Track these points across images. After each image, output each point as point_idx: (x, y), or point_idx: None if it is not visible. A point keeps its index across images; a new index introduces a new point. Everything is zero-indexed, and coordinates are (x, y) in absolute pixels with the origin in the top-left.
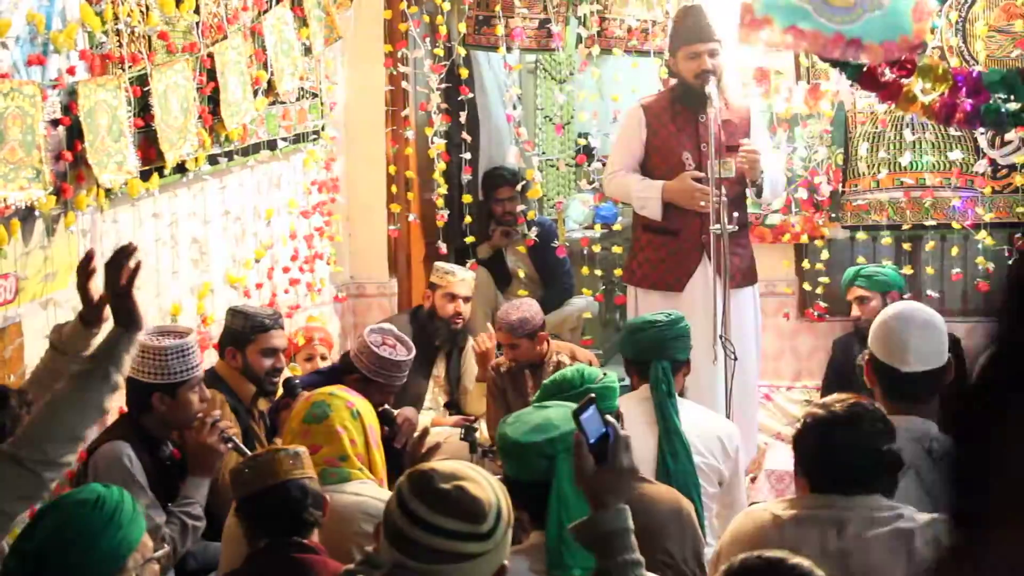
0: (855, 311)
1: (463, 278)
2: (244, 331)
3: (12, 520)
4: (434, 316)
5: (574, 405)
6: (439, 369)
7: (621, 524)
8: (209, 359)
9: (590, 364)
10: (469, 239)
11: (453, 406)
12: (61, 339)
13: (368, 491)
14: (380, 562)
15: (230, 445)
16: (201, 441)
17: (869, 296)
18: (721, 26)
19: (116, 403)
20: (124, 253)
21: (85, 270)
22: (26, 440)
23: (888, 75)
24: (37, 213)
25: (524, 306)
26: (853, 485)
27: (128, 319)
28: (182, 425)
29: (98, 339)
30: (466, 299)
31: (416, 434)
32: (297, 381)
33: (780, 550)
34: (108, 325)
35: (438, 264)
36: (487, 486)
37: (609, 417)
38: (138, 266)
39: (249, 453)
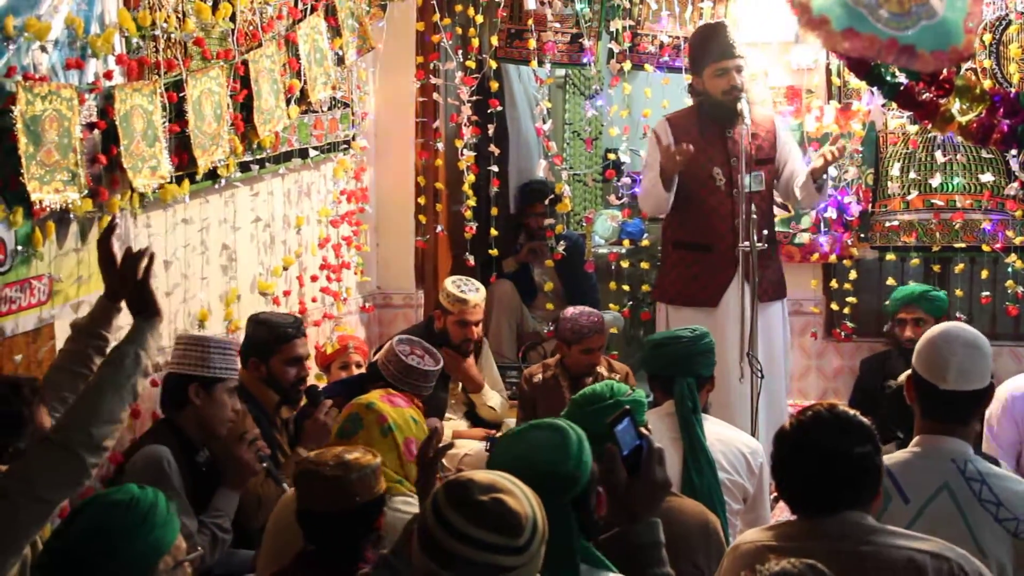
0: (909, 332)
1: (476, 303)
2: (268, 342)
3: (53, 509)
4: (446, 337)
5: (561, 426)
6: (455, 383)
7: (652, 538)
8: None
9: (627, 377)
10: (494, 252)
11: (472, 416)
12: (87, 316)
13: (411, 508)
14: (402, 567)
15: (264, 465)
16: (238, 455)
17: (926, 319)
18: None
19: (148, 405)
20: (139, 253)
21: (108, 237)
22: (71, 425)
23: (925, 95)
24: (72, 216)
25: (596, 314)
26: (820, 503)
27: (147, 308)
28: (215, 425)
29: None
30: (478, 322)
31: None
32: (320, 388)
33: (802, 561)
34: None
35: (448, 288)
36: (524, 499)
37: (644, 430)
38: (151, 258)
39: (280, 477)
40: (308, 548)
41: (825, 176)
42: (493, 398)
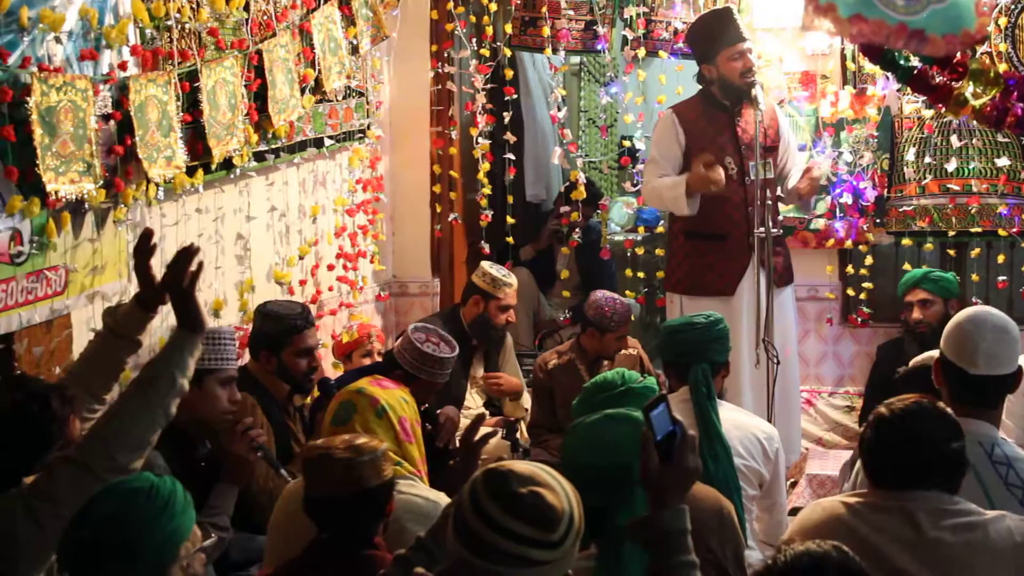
0: (916, 314)
1: (515, 287)
2: (277, 335)
3: None
4: (487, 323)
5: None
6: (477, 370)
7: (679, 524)
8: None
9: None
10: (511, 240)
11: (493, 407)
12: (116, 321)
13: (413, 490)
14: (437, 552)
15: (260, 454)
16: (230, 448)
17: (933, 300)
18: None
19: None
20: (186, 254)
21: (144, 250)
22: (96, 449)
23: (939, 78)
24: (87, 206)
25: (626, 300)
26: (912, 481)
27: (191, 320)
28: (208, 420)
29: (155, 323)
30: (514, 306)
31: (473, 419)
32: (333, 381)
33: (827, 542)
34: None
35: (491, 274)
36: (562, 493)
37: (677, 416)
38: (200, 267)
39: (278, 464)
40: (319, 537)
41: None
42: (528, 400)
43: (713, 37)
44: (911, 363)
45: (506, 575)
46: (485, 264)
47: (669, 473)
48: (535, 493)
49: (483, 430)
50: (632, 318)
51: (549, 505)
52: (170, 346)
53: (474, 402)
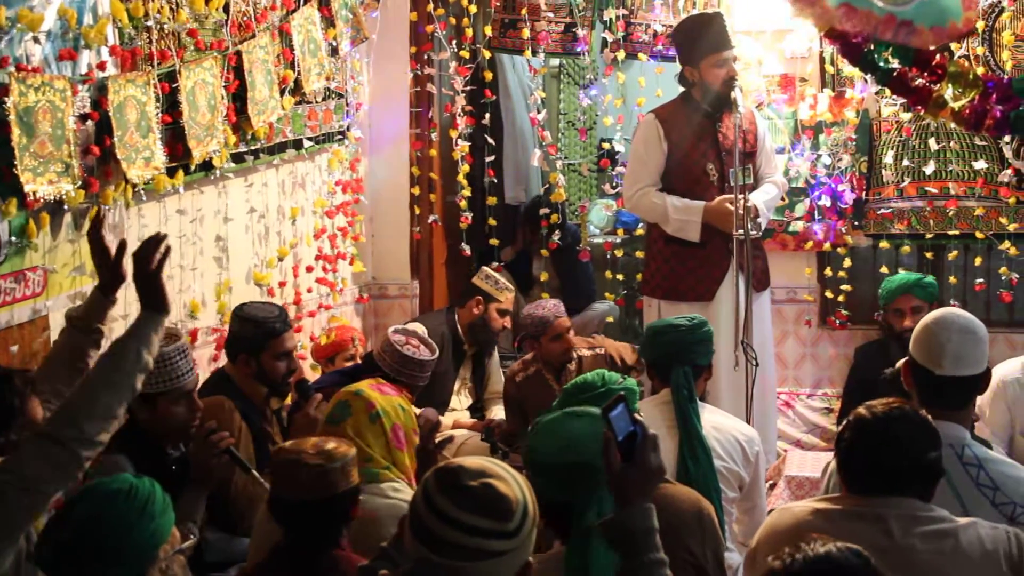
0: (907, 322)
1: (514, 294)
2: (256, 338)
3: (47, 500)
4: (485, 326)
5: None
6: (466, 371)
7: (646, 523)
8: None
9: (605, 355)
10: (495, 241)
11: (477, 410)
12: (77, 313)
13: (399, 495)
14: (399, 558)
15: (225, 458)
16: (193, 455)
17: (922, 306)
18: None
19: None
20: (153, 242)
21: (97, 235)
22: (62, 419)
23: (918, 80)
24: (66, 207)
25: (550, 301)
26: (886, 487)
27: (156, 302)
28: (169, 436)
29: (119, 311)
30: (511, 312)
31: (428, 428)
32: (310, 384)
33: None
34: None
35: (495, 276)
36: (514, 484)
37: (638, 416)
38: (167, 251)
39: (248, 465)
40: (283, 542)
41: (757, 223)
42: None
43: (699, 40)
44: (898, 364)
45: (467, 569)
46: (487, 268)
47: (632, 473)
48: (486, 484)
49: (438, 437)
50: (611, 319)
51: (501, 495)
52: (135, 325)
53: (460, 404)
